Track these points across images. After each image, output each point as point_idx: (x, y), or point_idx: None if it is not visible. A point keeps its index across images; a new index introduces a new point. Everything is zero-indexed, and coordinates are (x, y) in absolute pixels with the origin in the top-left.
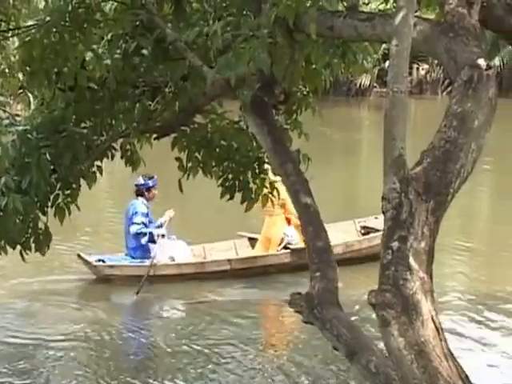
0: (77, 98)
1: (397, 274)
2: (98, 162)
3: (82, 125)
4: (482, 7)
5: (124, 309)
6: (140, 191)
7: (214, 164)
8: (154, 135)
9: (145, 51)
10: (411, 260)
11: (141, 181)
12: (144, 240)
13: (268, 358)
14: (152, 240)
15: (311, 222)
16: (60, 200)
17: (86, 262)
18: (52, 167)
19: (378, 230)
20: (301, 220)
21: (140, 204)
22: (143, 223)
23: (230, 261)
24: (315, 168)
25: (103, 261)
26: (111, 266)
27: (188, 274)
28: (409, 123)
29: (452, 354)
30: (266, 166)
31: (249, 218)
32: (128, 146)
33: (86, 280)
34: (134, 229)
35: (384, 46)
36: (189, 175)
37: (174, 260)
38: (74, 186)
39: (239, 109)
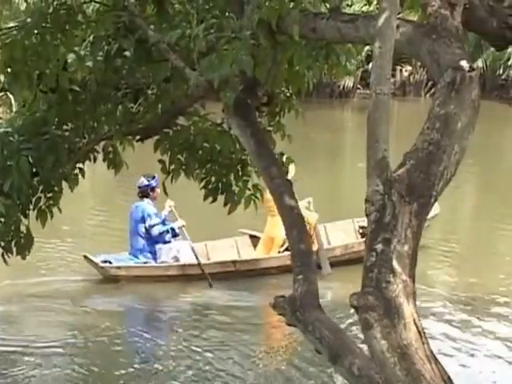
0: (59, 100)
1: (380, 276)
2: (80, 165)
3: (64, 127)
4: (464, 9)
5: (121, 311)
6: (145, 192)
7: (196, 166)
8: (137, 137)
9: (127, 53)
10: (394, 263)
11: (144, 182)
12: (168, 237)
13: (269, 360)
14: (175, 234)
15: (295, 224)
16: (42, 203)
17: (93, 263)
18: (34, 170)
19: None
20: (285, 223)
21: (147, 205)
22: (159, 223)
23: (234, 262)
24: (298, 170)
25: (110, 262)
26: (118, 267)
27: (191, 275)
28: (392, 125)
29: (434, 356)
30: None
31: (249, 215)
32: (110, 149)
33: (78, 281)
34: (155, 231)
35: (367, 47)
36: (172, 178)
37: (178, 260)
38: (56, 188)
39: (222, 111)
